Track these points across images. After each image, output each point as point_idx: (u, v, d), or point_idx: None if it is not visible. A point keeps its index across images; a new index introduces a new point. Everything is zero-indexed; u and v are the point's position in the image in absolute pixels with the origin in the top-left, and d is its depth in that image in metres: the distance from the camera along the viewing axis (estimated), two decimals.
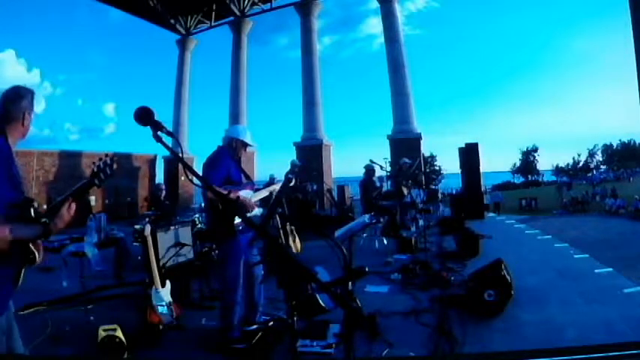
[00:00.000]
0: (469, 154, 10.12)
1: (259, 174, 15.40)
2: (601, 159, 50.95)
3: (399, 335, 2.91)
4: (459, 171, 10.65)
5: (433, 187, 17.37)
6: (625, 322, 3.21)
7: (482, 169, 10.24)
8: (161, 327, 3.15)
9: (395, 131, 13.45)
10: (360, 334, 2.08)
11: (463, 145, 10.28)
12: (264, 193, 3.34)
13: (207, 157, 3.19)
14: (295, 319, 1.50)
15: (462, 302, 3.61)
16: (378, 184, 7.34)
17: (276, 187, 3.44)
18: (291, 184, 3.50)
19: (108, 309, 3.77)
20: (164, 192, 6.90)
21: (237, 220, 2.93)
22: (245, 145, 3.26)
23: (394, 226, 6.70)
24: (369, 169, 7.08)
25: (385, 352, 2.64)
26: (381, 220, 6.38)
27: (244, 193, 3.12)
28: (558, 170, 50.96)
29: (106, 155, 1.64)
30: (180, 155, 1.41)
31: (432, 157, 40.30)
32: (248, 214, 3.05)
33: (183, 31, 17.59)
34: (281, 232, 5.67)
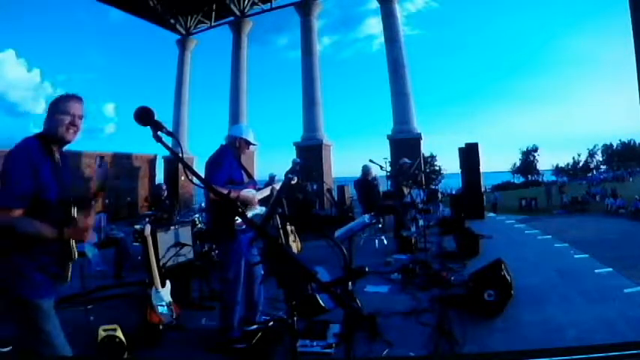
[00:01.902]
0: (469, 154, 10.12)
1: (259, 173, 15.42)
2: (601, 159, 51.00)
3: (399, 335, 2.91)
4: (459, 171, 10.65)
5: (433, 187, 17.37)
6: (625, 322, 3.21)
7: (482, 169, 10.24)
8: (161, 327, 3.15)
9: (395, 131, 13.46)
10: (360, 334, 2.08)
11: (463, 145, 10.28)
12: (266, 192, 3.34)
13: (210, 156, 3.17)
14: (295, 319, 1.50)
15: (462, 302, 3.61)
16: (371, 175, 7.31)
17: (278, 185, 3.43)
18: (294, 182, 3.50)
19: (108, 309, 3.77)
20: (165, 192, 6.89)
21: (238, 220, 2.93)
22: (248, 144, 3.25)
23: (399, 225, 6.70)
24: (365, 171, 7.09)
25: (385, 352, 2.64)
26: (381, 220, 6.38)
27: (247, 192, 3.12)
28: (558, 170, 50.99)
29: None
30: (180, 155, 1.41)
31: (432, 157, 40.30)
32: (249, 213, 3.05)
33: (183, 31, 17.59)
34: (281, 232, 5.66)
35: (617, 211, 21.39)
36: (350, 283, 2.19)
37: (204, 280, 4.17)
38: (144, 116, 1.40)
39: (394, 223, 6.78)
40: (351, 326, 1.91)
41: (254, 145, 3.32)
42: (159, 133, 1.39)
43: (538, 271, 4.82)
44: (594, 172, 47.81)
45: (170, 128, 1.43)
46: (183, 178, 14.95)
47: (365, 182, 7.15)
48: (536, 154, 51.74)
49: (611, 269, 4.78)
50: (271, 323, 3.15)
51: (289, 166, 8.53)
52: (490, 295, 3.41)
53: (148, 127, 1.36)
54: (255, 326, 3.12)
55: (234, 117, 16.17)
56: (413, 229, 6.78)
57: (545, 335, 3.05)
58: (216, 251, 4.36)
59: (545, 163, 53.55)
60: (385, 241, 6.36)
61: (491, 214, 13.47)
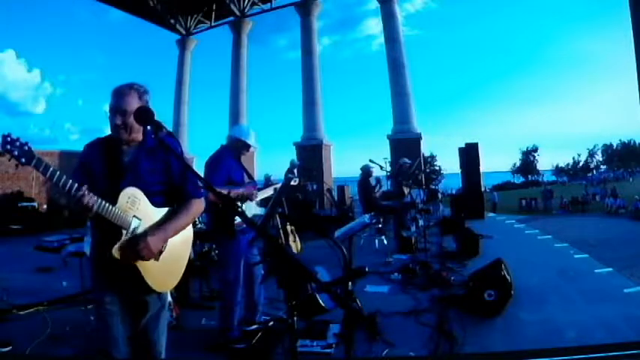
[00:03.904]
0: (469, 154, 10.12)
1: (260, 174, 15.43)
2: (601, 159, 50.99)
3: (399, 335, 2.91)
4: (459, 171, 10.65)
5: (433, 187, 17.36)
6: (625, 322, 3.21)
7: (482, 169, 10.25)
8: None
9: (395, 131, 13.47)
10: (360, 334, 2.09)
11: (463, 145, 10.28)
12: (267, 193, 3.33)
13: (209, 157, 3.16)
14: (295, 319, 1.50)
15: (462, 302, 3.61)
16: (373, 182, 7.34)
17: (278, 186, 3.43)
18: (295, 183, 3.49)
19: None
20: None
21: (238, 220, 2.92)
22: (248, 146, 3.24)
23: (401, 225, 6.70)
24: (366, 171, 7.10)
25: (385, 352, 2.65)
26: (381, 220, 6.38)
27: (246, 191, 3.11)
28: (558, 170, 51.00)
29: None
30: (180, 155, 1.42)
31: (432, 157, 40.29)
32: (249, 213, 3.05)
33: (183, 31, 17.60)
34: (281, 232, 5.65)
35: (617, 211, 21.39)
36: (350, 283, 2.19)
37: (204, 280, 4.17)
38: (144, 116, 1.41)
39: (393, 223, 6.77)
40: (351, 326, 1.92)
41: (254, 147, 3.30)
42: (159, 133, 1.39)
43: (538, 271, 4.82)
44: (594, 172, 47.78)
45: (170, 128, 1.44)
46: None
47: (362, 183, 7.16)
48: (536, 154, 51.72)
49: (611, 269, 4.78)
50: (271, 323, 3.15)
51: (288, 166, 8.56)
52: (490, 295, 3.40)
53: (148, 127, 1.36)
54: (255, 326, 3.12)
55: (234, 117, 16.17)
56: (413, 229, 6.78)
57: (545, 335, 3.05)
58: (216, 251, 4.36)
59: (545, 163, 53.54)
60: (385, 241, 6.36)
61: (492, 214, 13.48)
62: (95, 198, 1.52)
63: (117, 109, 1.67)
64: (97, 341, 1.72)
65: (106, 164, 1.70)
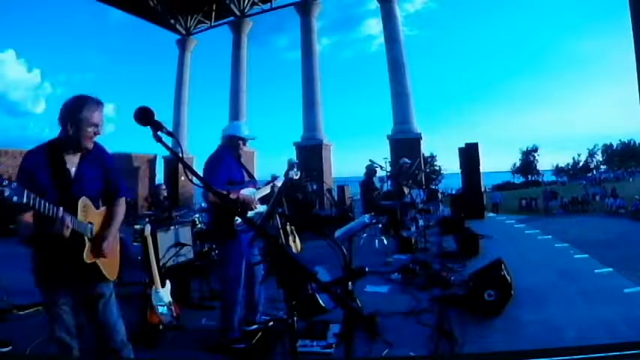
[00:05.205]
0: (469, 154, 10.12)
1: (260, 174, 15.44)
2: (601, 159, 50.97)
3: (399, 335, 2.91)
4: (459, 171, 10.65)
5: (433, 187, 17.35)
6: (625, 322, 3.21)
7: (482, 169, 10.24)
8: (161, 327, 3.15)
9: (395, 131, 13.46)
10: (360, 334, 2.08)
11: (463, 145, 10.28)
12: (266, 191, 3.32)
13: (208, 158, 3.12)
14: (295, 319, 1.50)
15: (462, 302, 3.61)
16: (378, 184, 7.36)
17: (279, 182, 3.42)
18: (296, 177, 3.48)
19: None
20: (165, 192, 6.89)
21: (238, 219, 2.92)
22: (244, 140, 3.18)
23: (394, 225, 6.70)
24: (369, 170, 7.11)
25: (385, 352, 2.64)
26: (381, 220, 6.38)
27: (247, 192, 3.10)
28: (558, 170, 50.97)
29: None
30: (180, 155, 1.41)
31: (432, 157, 40.27)
32: (250, 213, 3.04)
33: (183, 31, 17.60)
34: (281, 232, 5.65)
35: (617, 211, 21.39)
36: (350, 283, 2.18)
37: (204, 280, 4.17)
38: (144, 116, 1.40)
39: (386, 223, 6.77)
40: (351, 326, 1.91)
41: (251, 139, 3.25)
42: (159, 133, 1.39)
43: (538, 271, 4.82)
44: (594, 172, 47.72)
45: (170, 128, 1.43)
46: (183, 178, 14.96)
47: (365, 182, 7.18)
48: (536, 154, 51.68)
49: (611, 269, 4.78)
50: (271, 323, 3.15)
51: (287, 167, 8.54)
52: (490, 295, 3.40)
53: (148, 127, 1.36)
54: (255, 326, 3.12)
55: (234, 117, 16.15)
56: (413, 229, 6.78)
57: (545, 335, 3.05)
58: (216, 251, 4.36)
59: (545, 163, 53.48)
60: (385, 241, 6.36)
61: (492, 214, 13.47)
62: (71, 217, 1.75)
63: (92, 122, 1.85)
64: (53, 332, 1.97)
65: (53, 175, 1.83)
